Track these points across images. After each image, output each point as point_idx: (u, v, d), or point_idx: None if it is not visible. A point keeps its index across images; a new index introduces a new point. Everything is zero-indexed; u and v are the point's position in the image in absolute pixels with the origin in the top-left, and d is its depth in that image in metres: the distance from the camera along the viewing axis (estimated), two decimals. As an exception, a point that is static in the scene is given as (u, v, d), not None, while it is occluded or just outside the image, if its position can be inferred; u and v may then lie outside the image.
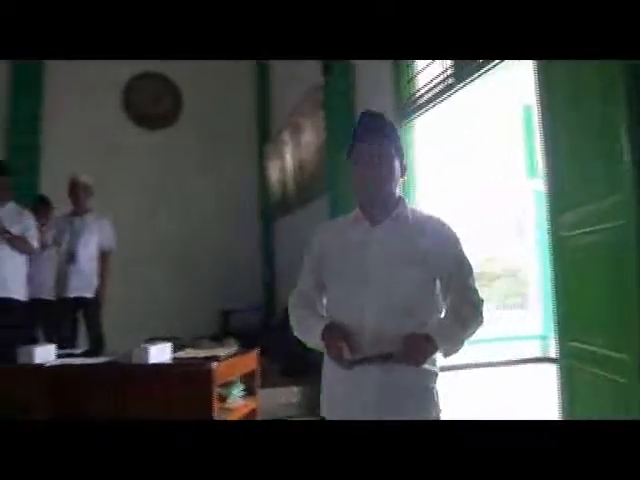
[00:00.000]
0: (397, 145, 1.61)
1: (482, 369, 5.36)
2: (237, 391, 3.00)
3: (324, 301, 1.68)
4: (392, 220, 1.61)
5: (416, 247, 1.56)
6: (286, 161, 6.18)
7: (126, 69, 6.26)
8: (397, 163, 1.60)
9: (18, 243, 3.81)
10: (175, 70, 6.46)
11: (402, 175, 1.64)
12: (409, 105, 3.64)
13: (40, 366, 2.59)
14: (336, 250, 1.63)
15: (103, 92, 6.14)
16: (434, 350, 1.50)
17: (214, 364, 2.49)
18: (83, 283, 4.35)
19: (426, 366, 1.54)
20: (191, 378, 2.46)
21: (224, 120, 6.69)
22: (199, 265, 6.37)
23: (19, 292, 3.84)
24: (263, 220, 6.94)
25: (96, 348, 4.21)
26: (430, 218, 1.64)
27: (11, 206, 3.92)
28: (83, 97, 5.95)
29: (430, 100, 3.40)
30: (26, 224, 3.88)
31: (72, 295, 4.33)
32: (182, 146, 6.47)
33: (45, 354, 2.71)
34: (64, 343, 4.36)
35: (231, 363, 2.72)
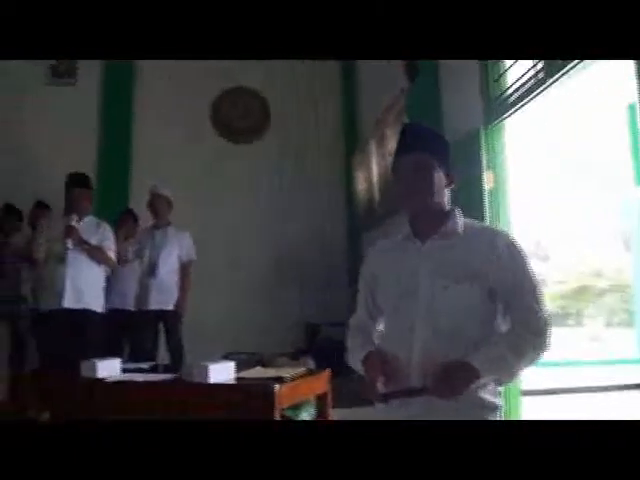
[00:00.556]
0: (441, 155, 1.52)
1: (580, 394, 4.83)
2: (307, 413, 2.82)
3: (380, 326, 1.59)
4: (441, 236, 1.48)
5: (468, 264, 1.41)
6: (372, 172, 5.96)
7: (215, 83, 6.30)
8: (440, 174, 1.50)
9: (96, 254, 3.85)
10: (264, 84, 6.44)
11: (449, 185, 1.52)
12: (498, 105, 3.32)
13: (101, 380, 2.52)
14: (387, 272, 1.55)
15: (192, 105, 6.19)
16: (475, 380, 1.32)
17: (276, 386, 2.29)
18: (163, 296, 4.36)
19: (484, 396, 1.38)
20: (251, 400, 2.29)
21: (311, 133, 6.58)
22: (285, 278, 6.24)
23: (96, 303, 3.86)
24: (350, 232, 6.74)
25: (174, 362, 4.19)
26: (485, 230, 1.52)
27: (90, 219, 3.97)
28: (173, 111, 6.03)
29: (520, 98, 3.06)
30: (104, 236, 3.93)
31: (153, 307, 4.35)
32: (269, 159, 6.41)
33: (109, 368, 2.64)
34: (146, 355, 4.44)
35: (297, 385, 2.52)
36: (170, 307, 4.38)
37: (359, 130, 6.57)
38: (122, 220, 4.90)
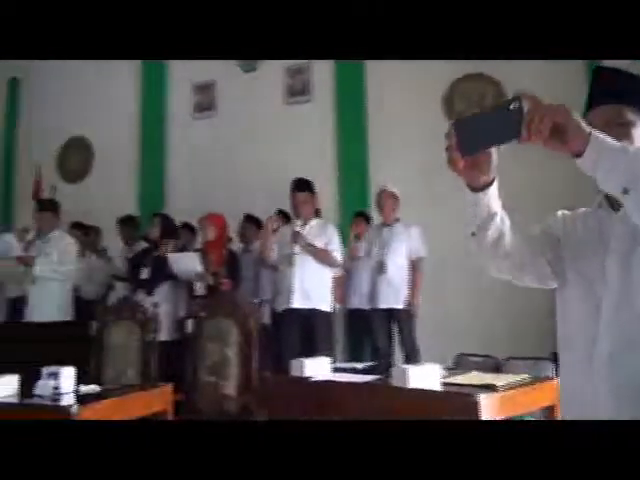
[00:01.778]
0: None
1: None
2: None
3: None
4: None
5: None
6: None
7: (446, 71, 5.99)
8: None
9: (321, 256, 3.89)
10: (495, 69, 5.93)
11: None
12: None
13: (306, 379, 2.47)
14: (575, 240, 1.24)
15: (425, 94, 5.98)
16: None
17: (481, 396, 1.96)
18: (393, 294, 4.25)
19: None
20: (454, 409, 1.99)
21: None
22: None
23: (324, 304, 3.90)
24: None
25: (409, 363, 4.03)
26: None
27: (317, 221, 4.07)
28: (405, 108, 5.91)
29: None
30: (330, 238, 3.96)
31: (383, 306, 4.27)
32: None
33: (317, 367, 2.59)
34: (379, 354, 4.38)
35: (514, 395, 2.14)
36: (401, 305, 4.25)
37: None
38: (355, 221, 4.96)
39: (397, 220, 4.40)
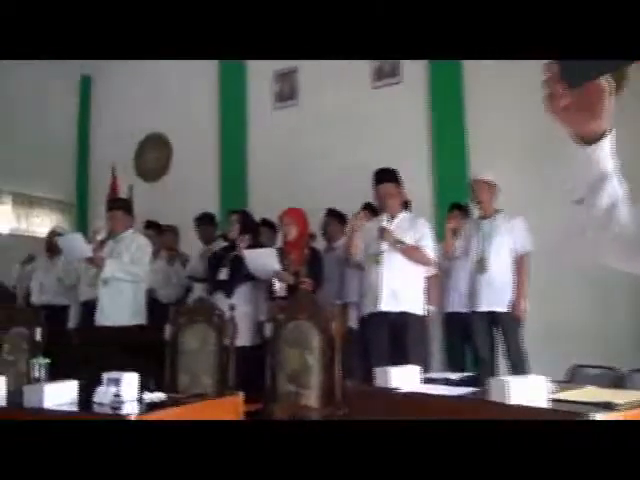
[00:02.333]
0: None
1: None
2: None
3: None
4: None
5: None
6: None
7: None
8: None
9: (412, 254, 3.78)
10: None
11: None
12: None
13: (392, 390, 2.38)
14: None
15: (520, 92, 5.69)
16: None
17: (597, 416, 1.78)
18: (495, 295, 4.04)
19: None
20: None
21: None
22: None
23: (415, 306, 3.77)
24: None
25: (515, 373, 3.83)
26: None
27: (404, 215, 3.93)
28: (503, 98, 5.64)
29: None
30: (421, 233, 3.83)
31: (484, 309, 4.07)
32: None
33: (405, 377, 2.48)
34: (481, 364, 4.19)
35: (636, 415, 1.93)
36: (504, 308, 4.03)
37: None
38: (451, 214, 4.79)
39: (498, 212, 4.19)
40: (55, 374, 2.74)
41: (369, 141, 5.80)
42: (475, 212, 4.39)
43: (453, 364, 4.66)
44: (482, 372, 3.95)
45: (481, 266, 4.08)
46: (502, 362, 4.19)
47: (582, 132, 0.95)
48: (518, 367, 3.98)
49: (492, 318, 4.09)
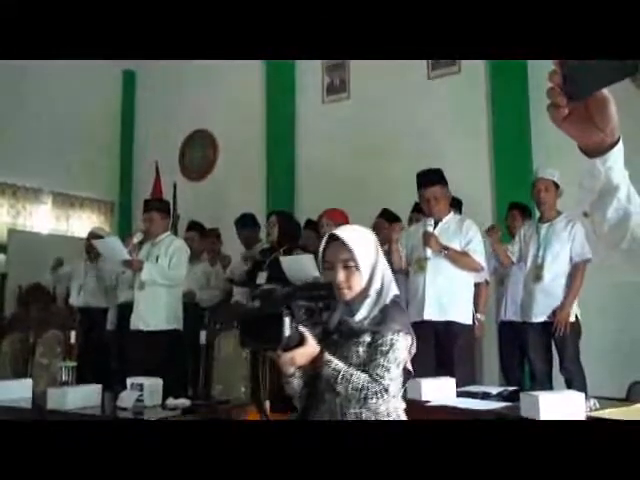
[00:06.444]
0: None
1: None
2: None
3: None
4: None
5: None
6: None
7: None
8: None
9: (459, 260, 3.76)
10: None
11: None
12: None
13: (422, 402, 2.46)
14: None
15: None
16: None
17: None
18: (550, 305, 4.00)
19: None
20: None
21: None
22: None
23: (463, 315, 3.77)
24: None
25: (569, 388, 3.81)
26: None
27: (450, 218, 3.92)
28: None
29: None
30: (469, 237, 3.81)
31: (539, 319, 4.04)
32: None
33: (438, 390, 2.55)
34: (536, 378, 4.17)
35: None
36: (562, 319, 4.00)
37: None
38: (510, 215, 4.79)
39: (559, 214, 4.15)
40: (87, 377, 2.93)
41: (424, 136, 5.81)
42: (536, 214, 4.34)
43: (508, 377, 4.65)
44: (536, 387, 3.94)
45: (537, 274, 4.05)
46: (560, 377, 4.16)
47: (585, 144, 0.98)
48: (574, 383, 3.93)
49: (548, 330, 4.03)
